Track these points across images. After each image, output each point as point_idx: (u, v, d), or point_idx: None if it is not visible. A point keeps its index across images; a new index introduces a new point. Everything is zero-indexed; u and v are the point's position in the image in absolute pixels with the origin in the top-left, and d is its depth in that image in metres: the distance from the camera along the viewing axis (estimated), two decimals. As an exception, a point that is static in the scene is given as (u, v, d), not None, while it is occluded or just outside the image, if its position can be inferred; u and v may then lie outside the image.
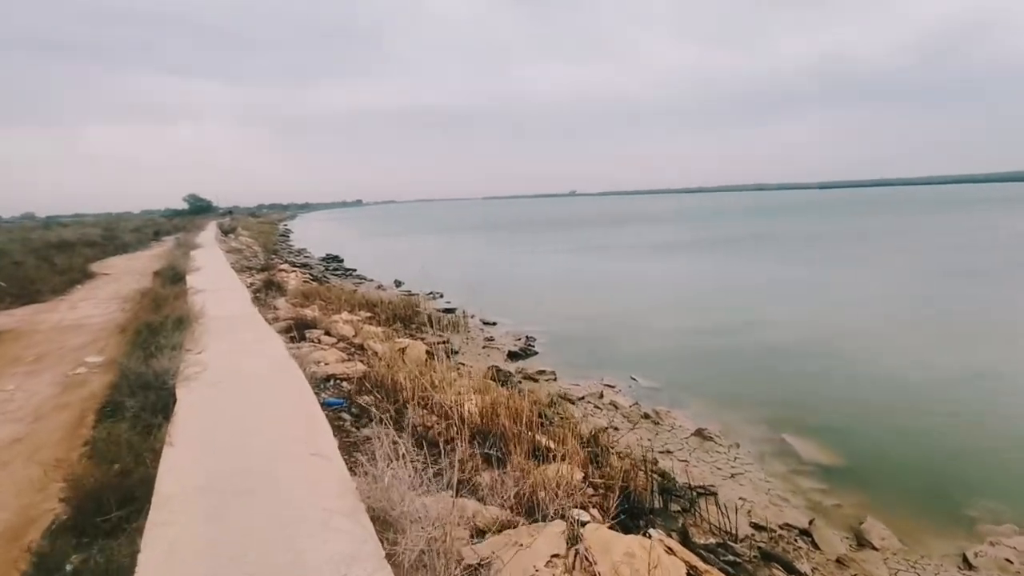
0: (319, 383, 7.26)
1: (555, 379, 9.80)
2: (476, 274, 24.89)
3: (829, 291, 17.82)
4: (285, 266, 22.87)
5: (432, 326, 13.13)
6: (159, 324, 5.56)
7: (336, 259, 31.16)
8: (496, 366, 9.63)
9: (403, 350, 9.32)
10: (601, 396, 8.80)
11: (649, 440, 7.12)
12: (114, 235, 31.32)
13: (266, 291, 14.67)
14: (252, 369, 4.81)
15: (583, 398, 8.61)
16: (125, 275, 16.71)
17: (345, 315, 12.28)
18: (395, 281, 22.11)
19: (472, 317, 14.59)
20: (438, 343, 11.04)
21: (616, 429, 7.33)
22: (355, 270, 26.42)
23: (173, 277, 11.26)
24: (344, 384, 7.40)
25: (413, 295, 18.56)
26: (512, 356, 11.37)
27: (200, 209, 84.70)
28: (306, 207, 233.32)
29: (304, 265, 26.45)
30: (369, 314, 13.12)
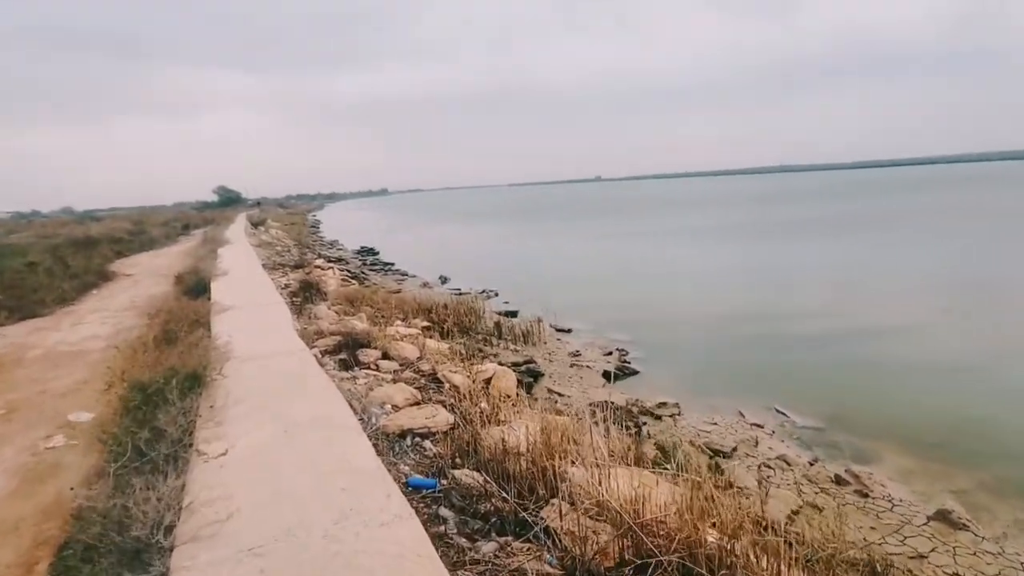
0: (392, 442, 5.19)
1: (679, 413, 7.59)
2: (527, 268, 22.73)
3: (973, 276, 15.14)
4: (320, 261, 20.96)
5: (502, 337, 10.99)
6: (162, 385, 3.51)
7: (371, 252, 29.28)
8: (612, 402, 7.39)
9: (488, 380, 7.19)
10: (756, 444, 6.55)
11: (873, 528, 4.88)
12: (142, 230, 29.90)
13: (304, 294, 12.74)
14: (320, 515, 2.59)
15: (735, 449, 6.37)
16: (147, 276, 14.94)
17: (400, 327, 10.22)
18: (440, 277, 20.05)
19: (540, 322, 12.40)
20: (522, 364, 8.88)
21: (818, 509, 5.09)
22: (393, 264, 24.47)
23: (195, 285, 9.29)
24: (427, 444, 5.31)
25: (465, 295, 16.46)
26: (608, 377, 9.18)
27: (229, 201, 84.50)
28: (332, 197, 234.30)
29: (339, 259, 24.58)
30: (426, 323, 11.04)
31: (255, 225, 35.97)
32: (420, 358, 8.09)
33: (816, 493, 5.39)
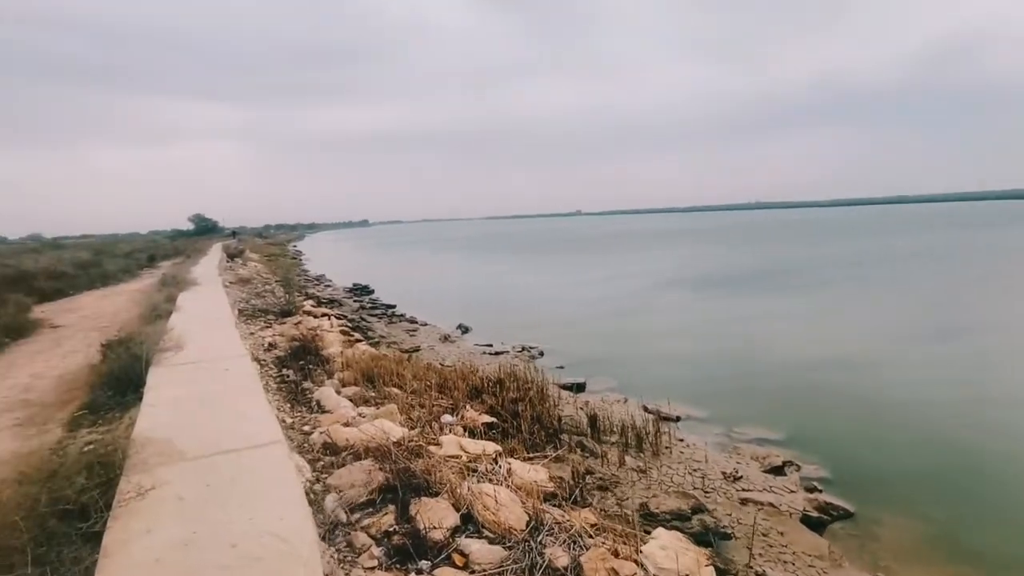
0: None
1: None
2: (553, 312, 19.03)
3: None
4: (310, 304, 17.05)
5: (602, 440, 7.29)
6: None
7: (366, 290, 25.44)
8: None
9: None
10: None
11: None
12: (97, 262, 25.62)
13: (298, 363, 8.96)
14: None
15: None
16: (81, 330, 11.02)
17: (456, 429, 6.49)
18: (459, 327, 16.27)
19: (655, 415, 8.71)
20: (691, 515, 5.17)
21: None
22: (395, 307, 20.65)
23: (124, 373, 5.39)
24: None
25: (502, 353, 12.76)
26: (814, 526, 5.55)
27: (205, 230, 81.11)
28: (313, 227, 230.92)
29: (332, 301, 20.72)
30: (487, 416, 7.31)
31: (231, 257, 31.95)
32: (533, 524, 4.36)
33: None
